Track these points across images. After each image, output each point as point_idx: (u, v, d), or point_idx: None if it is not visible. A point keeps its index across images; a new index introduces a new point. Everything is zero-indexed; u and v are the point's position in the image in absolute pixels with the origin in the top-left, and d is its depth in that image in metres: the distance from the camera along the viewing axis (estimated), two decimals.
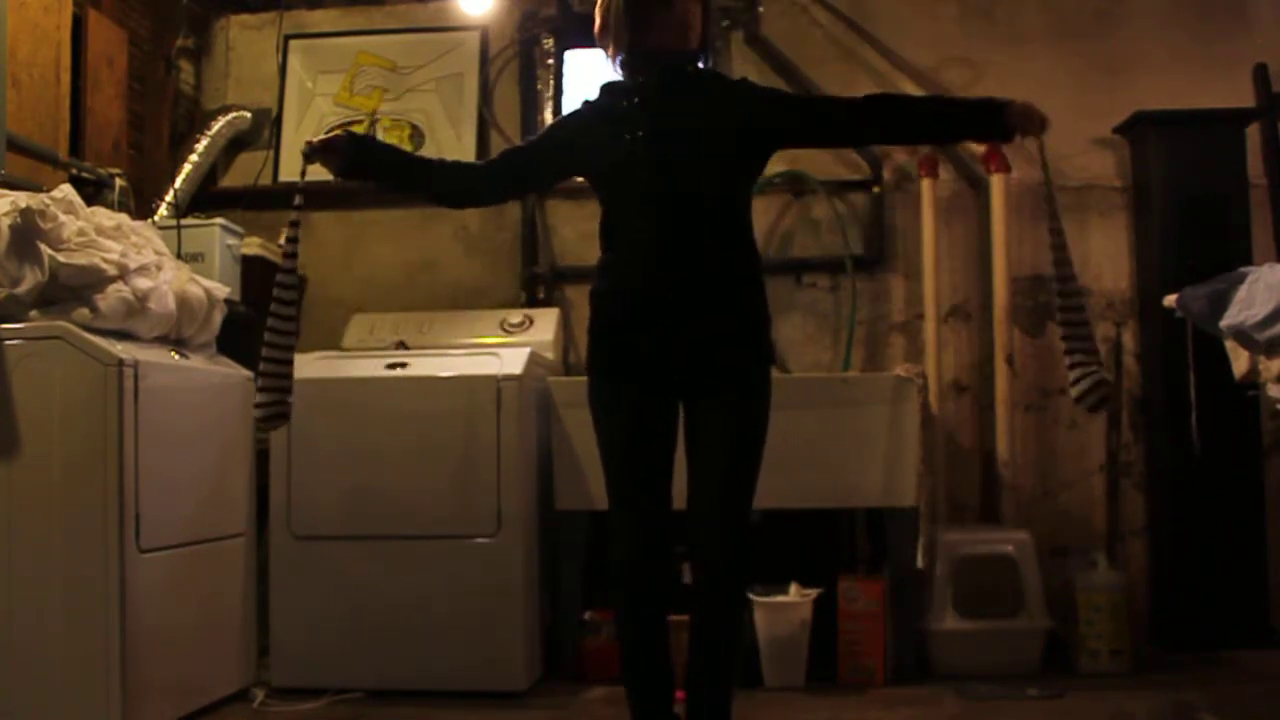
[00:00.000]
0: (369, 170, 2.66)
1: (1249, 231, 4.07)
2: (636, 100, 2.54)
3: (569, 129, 2.65)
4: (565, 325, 4.41)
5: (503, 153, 2.74)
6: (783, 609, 3.60)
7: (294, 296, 2.63)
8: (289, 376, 2.59)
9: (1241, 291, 3.04)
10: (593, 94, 2.66)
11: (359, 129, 4.67)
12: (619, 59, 2.58)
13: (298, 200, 2.65)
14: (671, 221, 2.46)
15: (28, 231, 2.98)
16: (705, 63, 2.65)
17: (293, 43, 4.76)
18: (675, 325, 2.46)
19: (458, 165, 2.81)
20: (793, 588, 3.66)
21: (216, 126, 4.54)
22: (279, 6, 4.71)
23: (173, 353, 3.31)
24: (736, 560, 2.49)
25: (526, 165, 2.68)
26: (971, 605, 3.72)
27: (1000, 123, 2.54)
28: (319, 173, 2.65)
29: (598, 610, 3.73)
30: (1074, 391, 2.54)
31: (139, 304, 3.16)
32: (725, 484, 2.48)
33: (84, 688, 2.89)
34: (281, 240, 2.70)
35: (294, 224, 2.65)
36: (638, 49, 2.53)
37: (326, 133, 2.63)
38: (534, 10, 4.65)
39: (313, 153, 2.57)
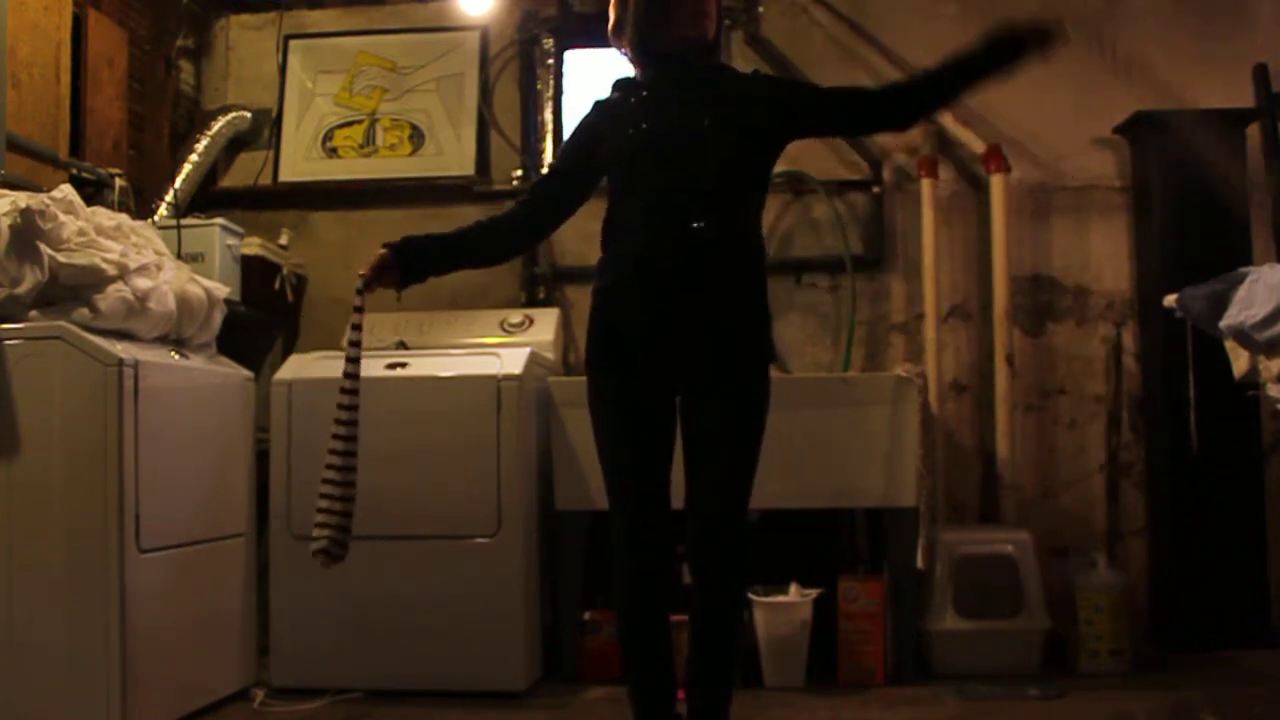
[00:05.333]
0: (428, 271, 2.63)
1: (1249, 231, 4.08)
2: (642, 94, 2.54)
3: (584, 131, 2.62)
4: (565, 325, 4.41)
5: (538, 183, 2.73)
6: (783, 609, 3.60)
7: (354, 433, 2.58)
8: (349, 514, 2.59)
9: (1241, 291, 3.03)
10: (603, 93, 2.65)
11: (359, 129, 4.68)
12: (631, 52, 2.57)
13: (354, 336, 2.59)
14: (670, 218, 2.45)
15: (28, 231, 2.98)
16: (717, 55, 2.62)
17: (293, 43, 4.76)
18: (673, 323, 2.45)
19: (502, 221, 2.69)
20: (793, 588, 3.66)
21: (216, 126, 4.54)
22: (279, 6, 4.71)
23: (173, 353, 3.31)
24: (735, 560, 2.49)
25: (566, 182, 2.66)
26: (971, 605, 3.72)
27: (1010, 38, 2.48)
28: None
29: (598, 610, 3.73)
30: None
31: (139, 304, 3.16)
32: (723, 483, 2.48)
33: (84, 688, 2.89)
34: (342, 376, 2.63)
35: (353, 358, 2.59)
36: (650, 41, 2.52)
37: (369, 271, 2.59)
38: (534, 10, 4.65)
39: (368, 284, 2.57)
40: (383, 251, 2.58)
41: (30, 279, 2.97)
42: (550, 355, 4.09)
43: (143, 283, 3.19)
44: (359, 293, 2.59)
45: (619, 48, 2.60)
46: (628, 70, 2.64)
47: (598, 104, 2.64)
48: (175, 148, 4.50)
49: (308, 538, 3.52)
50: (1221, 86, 4.22)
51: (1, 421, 2.94)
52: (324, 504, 2.58)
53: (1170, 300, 3.42)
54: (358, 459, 2.60)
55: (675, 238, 2.45)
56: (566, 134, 4.33)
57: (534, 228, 2.74)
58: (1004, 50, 2.50)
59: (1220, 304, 3.10)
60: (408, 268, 2.59)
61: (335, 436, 2.58)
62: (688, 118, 2.49)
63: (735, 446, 2.48)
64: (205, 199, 4.52)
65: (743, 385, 2.50)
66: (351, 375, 2.59)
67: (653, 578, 2.49)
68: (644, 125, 2.49)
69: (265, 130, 4.71)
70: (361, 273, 2.58)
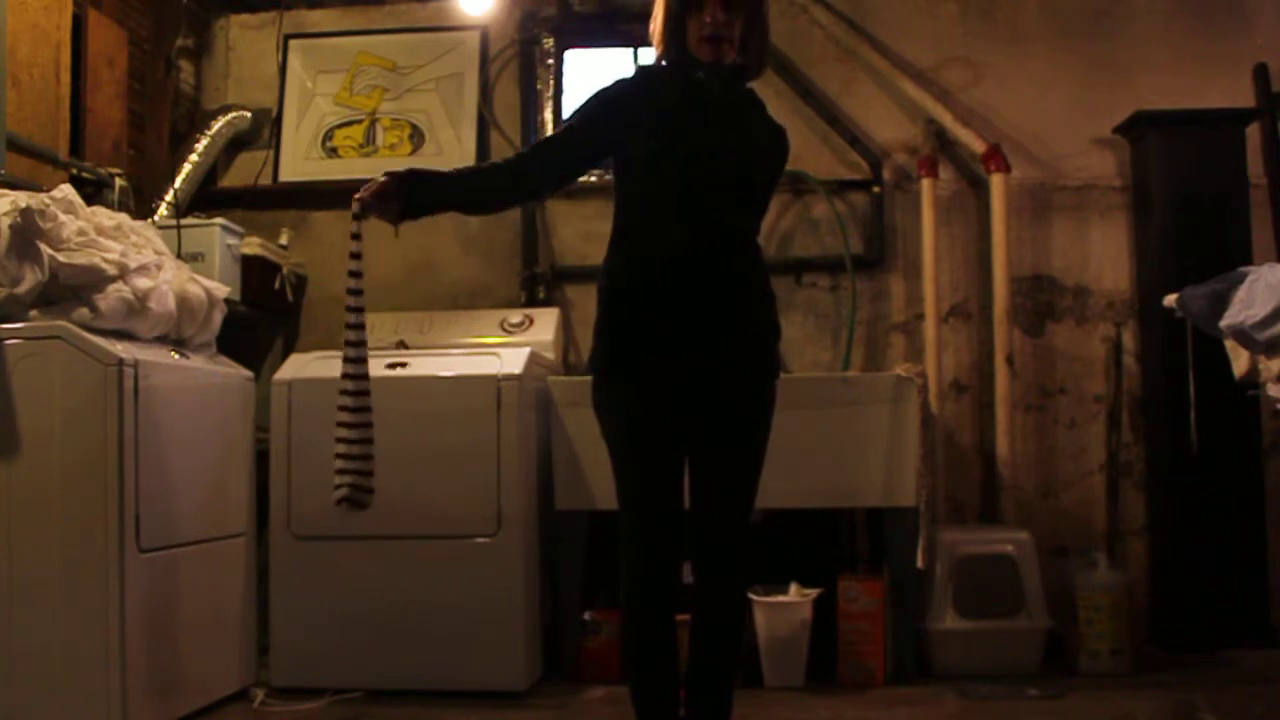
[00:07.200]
0: (429, 207, 2.49)
1: (1249, 231, 4.08)
2: (686, 96, 2.45)
3: (618, 106, 2.49)
4: (565, 325, 4.41)
5: (554, 143, 2.57)
6: (783, 609, 3.60)
7: (364, 371, 2.52)
8: (369, 457, 2.53)
9: (1241, 291, 3.04)
10: (621, 75, 2.57)
11: (359, 129, 4.68)
12: (663, 60, 2.50)
13: (354, 266, 2.50)
14: (704, 224, 2.42)
15: (28, 231, 2.97)
16: (748, 79, 2.54)
17: (293, 42, 4.76)
18: (694, 329, 2.42)
19: (505, 173, 2.55)
20: (793, 588, 3.66)
21: (216, 126, 4.54)
22: (279, 6, 4.71)
23: (173, 353, 3.31)
24: (738, 561, 2.49)
25: (583, 150, 2.53)
26: (971, 605, 3.72)
27: None
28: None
29: (598, 610, 3.73)
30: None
31: (139, 304, 3.16)
32: (729, 486, 2.48)
33: (84, 688, 2.89)
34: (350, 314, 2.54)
35: (355, 290, 2.50)
36: (675, 55, 2.46)
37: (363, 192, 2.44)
38: (534, 10, 4.65)
39: (365, 208, 2.43)
40: (384, 179, 2.43)
41: (30, 279, 2.97)
42: (550, 355, 4.09)
43: (143, 283, 3.19)
44: (356, 218, 2.46)
45: (656, 49, 2.52)
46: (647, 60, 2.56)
47: (624, 83, 2.53)
48: (175, 148, 4.50)
49: (308, 537, 3.58)
50: (1221, 86, 4.23)
51: (1, 421, 2.94)
52: (340, 449, 2.53)
53: (1170, 300, 3.42)
54: (371, 398, 2.54)
55: (708, 244, 2.41)
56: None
57: (537, 188, 2.62)
58: None
59: (1220, 304, 3.10)
60: (408, 200, 2.44)
61: (345, 376, 2.53)
62: (728, 135, 2.45)
63: (742, 452, 2.48)
64: (205, 199, 4.51)
65: (754, 393, 2.49)
66: (356, 309, 2.52)
67: (664, 583, 2.47)
68: (687, 131, 2.43)
69: (265, 130, 4.71)
70: (358, 196, 2.43)
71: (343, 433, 2.54)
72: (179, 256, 3.70)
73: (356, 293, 2.53)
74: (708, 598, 2.50)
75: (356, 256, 2.53)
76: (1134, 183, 4.34)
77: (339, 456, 2.55)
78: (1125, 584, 3.83)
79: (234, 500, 3.54)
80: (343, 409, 2.54)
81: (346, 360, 2.55)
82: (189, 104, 4.71)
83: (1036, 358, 4.37)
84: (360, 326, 2.54)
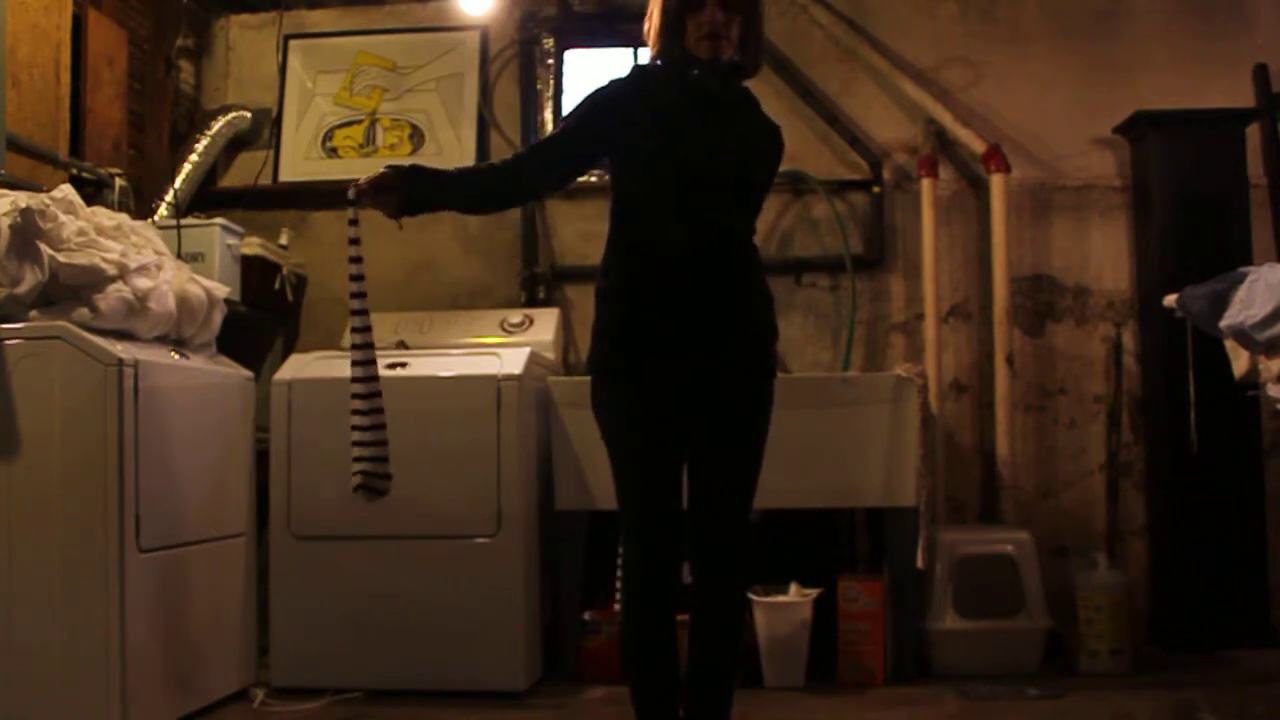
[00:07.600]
0: (429, 204, 2.49)
1: (1249, 231, 4.08)
2: (683, 95, 2.46)
3: (613, 106, 2.50)
4: (565, 325, 4.41)
5: (553, 144, 2.59)
6: (783, 609, 3.60)
7: (371, 356, 2.56)
8: (383, 442, 2.56)
9: (1241, 291, 3.04)
10: (616, 75, 2.57)
11: (359, 129, 4.68)
12: (659, 59, 2.51)
13: (354, 252, 2.52)
14: (702, 223, 2.42)
15: (28, 231, 2.97)
16: (744, 77, 2.54)
17: (293, 43, 4.76)
18: (693, 329, 2.42)
19: (505, 176, 2.56)
20: (793, 588, 3.66)
21: (216, 126, 4.54)
22: (279, 6, 4.71)
23: (173, 353, 3.31)
24: (738, 561, 2.49)
25: (582, 151, 2.54)
26: (971, 605, 3.72)
27: None
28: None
29: (598, 610, 3.73)
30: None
31: (139, 304, 3.16)
32: (729, 486, 2.48)
33: (84, 688, 2.89)
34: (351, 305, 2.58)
35: (357, 275, 2.53)
36: (671, 53, 2.47)
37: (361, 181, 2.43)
38: (534, 10, 4.66)
39: (361, 196, 2.42)
40: (384, 171, 2.44)
41: (30, 279, 2.97)
42: (550, 355, 4.09)
43: (143, 283, 3.19)
44: (350, 204, 2.46)
45: (651, 49, 2.53)
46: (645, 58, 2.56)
47: (619, 82, 2.53)
48: (175, 148, 4.50)
49: (308, 537, 3.58)
50: (1221, 86, 4.23)
51: (1, 421, 2.94)
52: (355, 436, 2.57)
53: (1170, 300, 3.43)
54: (380, 383, 2.57)
55: (706, 244, 2.42)
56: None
57: (535, 188, 2.67)
58: None
59: (1220, 304, 3.10)
60: (408, 195, 2.44)
61: (354, 364, 2.56)
62: (723, 134, 2.46)
63: (745, 450, 2.48)
64: (205, 199, 4.51)
65: (752, 393, 2.49)
66: (359, 294, 2.55)
67: (664, 584, 2.47)
68: (683, 129, 2.43)
69: (265, 130, 4.71)
70: (358, 183, 2.44)
71: (356, 420, 2.58)
72: (179, 256, 3.70)
73: (358, 278, 2.56)
74: (708, 598, 2.50)
75: (355, 242, 2.55)
76: (1134, 183, 4.34)
77: (354, 444, 2.58)
78: (1125, 584, 3.83)
79: (234, 500, 3.54)
80: (355, 396, 2.58)
81: (354, 348, 2.58)
82: (189, 104, 4.71)
83: (1036, 358, 4.37)
84: (364, 313, 2.57)
